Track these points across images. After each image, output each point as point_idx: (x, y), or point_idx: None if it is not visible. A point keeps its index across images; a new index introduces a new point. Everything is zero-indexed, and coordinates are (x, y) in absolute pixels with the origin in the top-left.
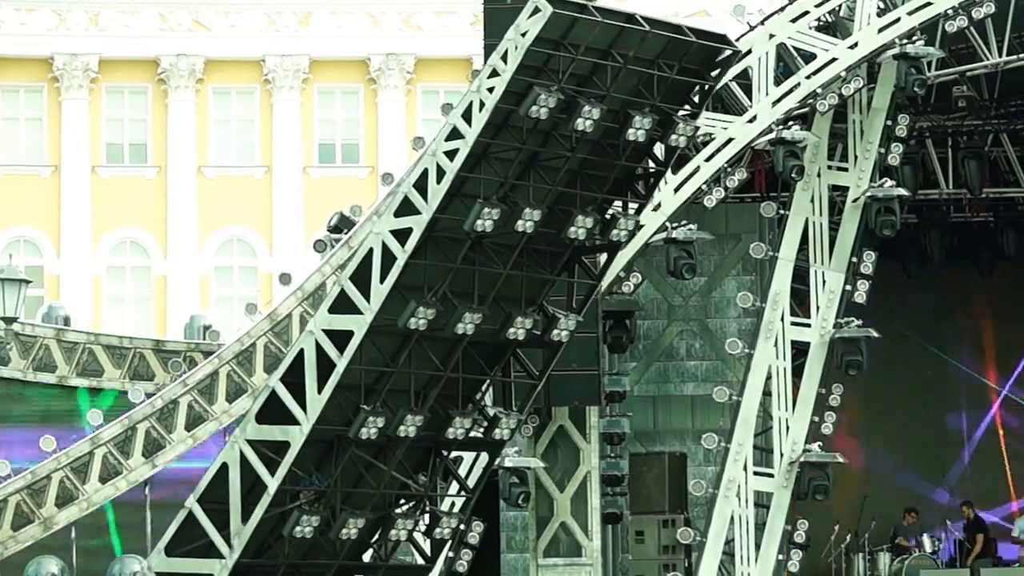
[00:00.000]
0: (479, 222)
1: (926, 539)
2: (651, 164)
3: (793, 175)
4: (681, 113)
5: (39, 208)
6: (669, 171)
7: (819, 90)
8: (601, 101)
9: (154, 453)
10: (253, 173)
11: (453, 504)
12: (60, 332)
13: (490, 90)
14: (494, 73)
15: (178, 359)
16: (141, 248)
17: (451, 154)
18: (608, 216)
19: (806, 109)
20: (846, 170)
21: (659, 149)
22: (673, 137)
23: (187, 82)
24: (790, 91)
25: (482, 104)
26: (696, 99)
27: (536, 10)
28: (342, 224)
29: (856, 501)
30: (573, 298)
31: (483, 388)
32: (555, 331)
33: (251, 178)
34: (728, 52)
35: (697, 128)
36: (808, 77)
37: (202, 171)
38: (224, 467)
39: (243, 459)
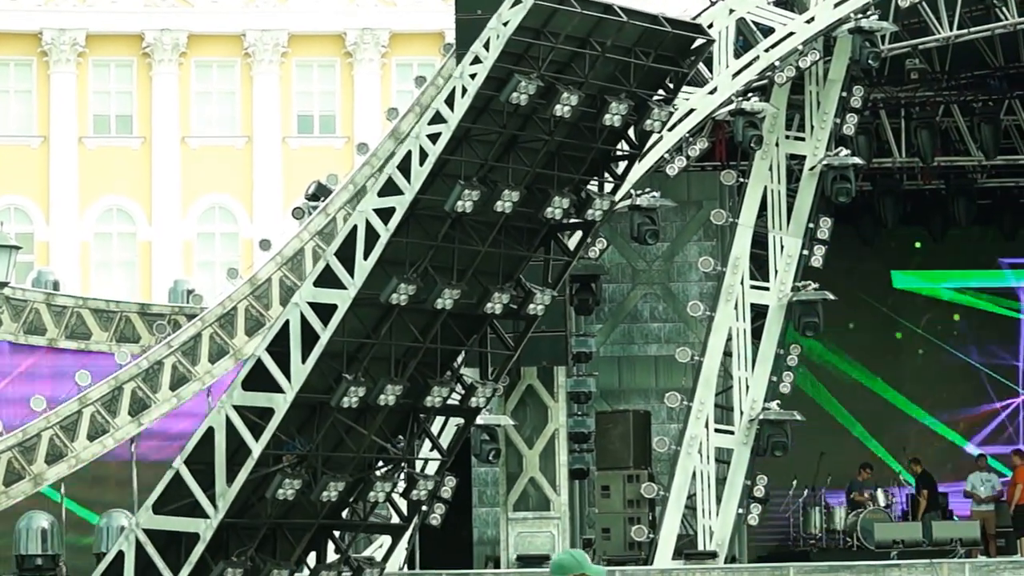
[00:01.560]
0: (459, 203)
1: (880, 493)
2: (626, 146)
3: (752, 144)
4: (656, 98)
5: (29, 177)
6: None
7: (777, 63)
8: (579, 88)
9: (140, 412)
10: (234, 143)
11: (426, 464)
12: (50, 296)
13: (472, 76)
14: (476, 60)
15: (163, 322)
16: (127, 215)
17: (434, 137)
18: (584, 196)
19: (765, 81)
20: (803, 140)
21: (632, 131)
22: (648, 122)
23: (171, 56)
24: (749, 64)
25: (464, 90)
26: (671, 85)
27: (518, 0)
28: (319, 192)
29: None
30: (549, 273)
31: (460, 358)
32: (531, 305)
33: (232, 148)
34: (702, 41)
35: (671, 113)
36: (767, 50)
37: (185, 141)
38: (210, 430)
39: (229, 423)
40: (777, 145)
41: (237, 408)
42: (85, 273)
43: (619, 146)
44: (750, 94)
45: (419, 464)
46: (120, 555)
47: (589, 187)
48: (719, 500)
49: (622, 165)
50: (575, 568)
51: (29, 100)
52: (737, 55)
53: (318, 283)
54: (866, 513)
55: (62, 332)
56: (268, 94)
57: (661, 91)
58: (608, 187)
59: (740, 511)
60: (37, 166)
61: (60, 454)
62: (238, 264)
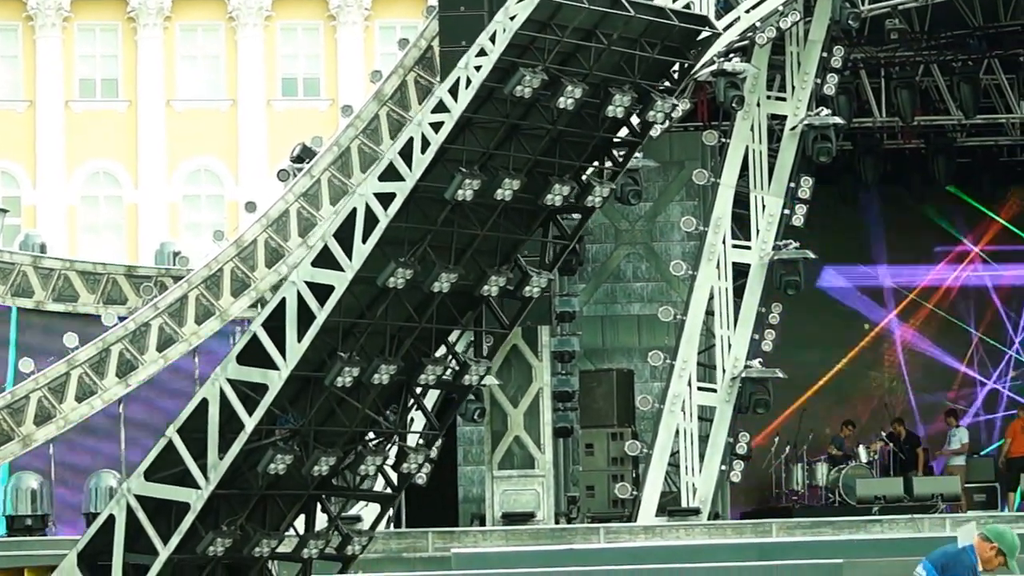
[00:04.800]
0: (460, 192)
1: (861, 450)
2: (628, 134)
3: (734, 105)
4: (660, 89)
5: (15, 141)
6: None
7: (758, 24)
8: (583, 79)
9: (127, 374)
10: (219, 106)
11: (410, 424)
12: (37, 259)
13: (477, 68)
14: (481, 52)
15: (149, 284)
16: (113, 178)
17: (436, 126)
18: (584, 182)
19: (746, 42)
20: (784, 100)
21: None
22: (651, 113)
23: (155, 20)
24: (730, 25)
25: (469, 81)
26: (675, 75)
27: None
28: (304, 154)
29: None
30: (547, 255)
31: (456, 336)
32: (527, 287)
33: (217, 111)
34: (709, 33)
35: (675, 104)
36: (747, 11)
37: (171, 104)
38: (204, 402)
39: (222, 396)
40: (758, 105)
41: (231, 381)
42: (72, 236)
43: (621, 133)
44: (731, 55)
45: (409, 434)
46: (111, 519)
47: (589, 174)
48: (702, 457)
49: (624, 152)
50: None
51: (15, 65)
52: (718, 16)
53: (316, 263)
54: (848, 469)
55: (49, 295)
56: (252, 57)
57: (665, 81)
58: (609, 173)
59: (723, 468)
60: (24, 130)
61: (48, 415)
62: (224, 226)
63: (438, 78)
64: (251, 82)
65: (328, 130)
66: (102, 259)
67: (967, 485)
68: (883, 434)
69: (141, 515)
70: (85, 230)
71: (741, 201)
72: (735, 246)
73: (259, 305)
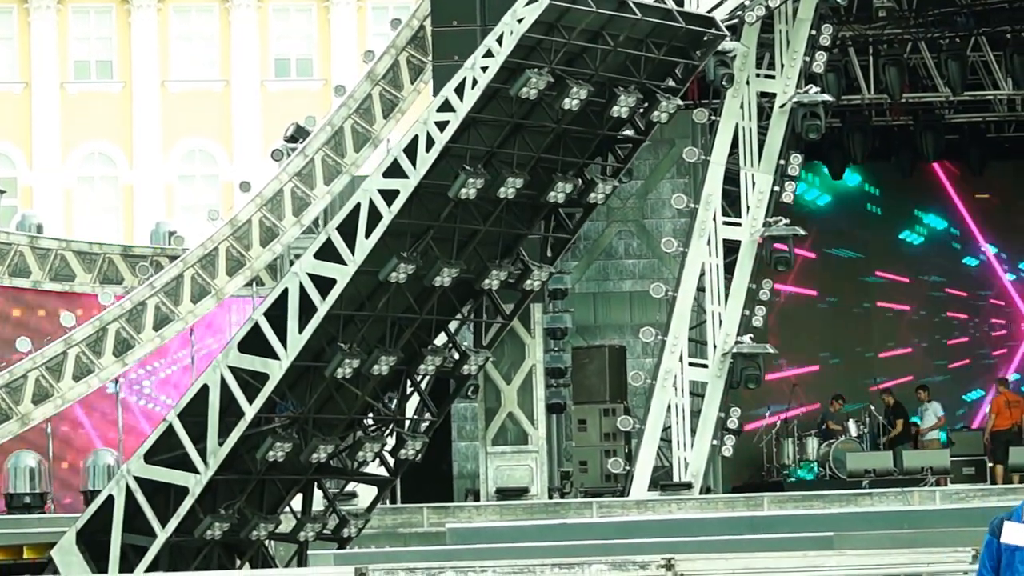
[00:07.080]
0: (463, 190)
1: (851, 424)
2: (631, 132)
3: (724, 83)
4: (664, 89)
5: (11, 123)
6: None
7: (747, 2)
8: (589, 80)
9: (124, 352)
10: (213, 87)
11: (405, 416)
12: (33, 239)
13: (483, 69)
14: (488, 53)
15: (145, 263)
16: (109, 159)
17: (441, 125)
18: (587, 179)
19: (735, 20)
20: (773, 78)
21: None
22: (655, 113)
23: (149, 1)
24: (720, 3)
25: (475, 81)
26: (680, 75)
27: None
28: (298, 134)
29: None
30: (548, 249)
31: (456, 327)
32: (528, 281)
33: (211, 92)
34: (714, 34)
35: (680, 104)
36: None
37: (165, 85)
38: (205, 388)
39: (223, 383)
40: (748, 83)
41: (232, 369)
42: (68, 216)
43: (624, 131)
44: None
45: (407, 418)
46: (110, 499)
47: (592, 170)
48: (694, 432)
49: (627, 149)
50: None
51: (11, 47)
52: None
53: (319, 255)
54: (838, 443)
55: (46, 274)
56: (246, 38)
57: (670, 80)
58: (611, 171)
59: (714, 443)
60: (19, 112)
61: (46, 394)
62: (218, 206)
63: (430, 57)
64: (245, 63)
65: (321, 110)
66: (98, 239)
67: (955, 459)
68: (872, 408)
69: (140, 497)
70: (81, 210)
71: (731, 178)
72: (726, 223)
73: (254, 284)
